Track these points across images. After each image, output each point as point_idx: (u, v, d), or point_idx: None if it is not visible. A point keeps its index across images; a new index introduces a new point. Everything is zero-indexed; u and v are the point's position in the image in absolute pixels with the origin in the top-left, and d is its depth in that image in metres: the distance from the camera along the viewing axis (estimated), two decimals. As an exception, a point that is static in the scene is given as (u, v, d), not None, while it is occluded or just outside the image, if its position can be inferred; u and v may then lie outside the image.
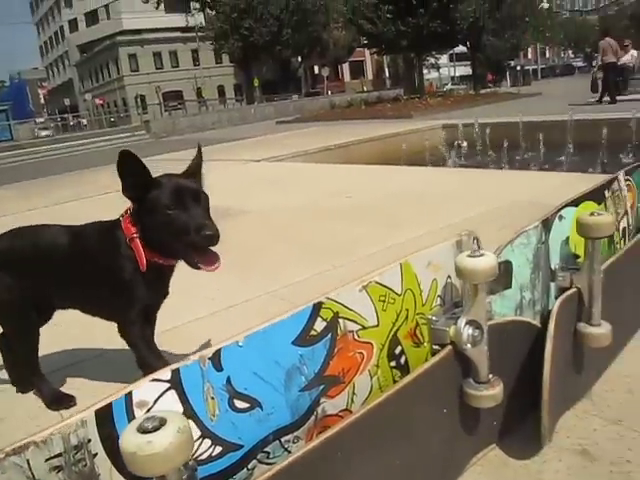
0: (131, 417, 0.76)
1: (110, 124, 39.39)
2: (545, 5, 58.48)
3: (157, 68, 53.20)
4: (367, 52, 37.69)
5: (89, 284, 1.65)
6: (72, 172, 10.86)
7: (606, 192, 1.71)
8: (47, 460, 0.69)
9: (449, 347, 1.15)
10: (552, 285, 1.44)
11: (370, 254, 3.06)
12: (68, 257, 1.66)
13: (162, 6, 42.14)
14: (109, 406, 0.75)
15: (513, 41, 39.44)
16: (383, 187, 5.28)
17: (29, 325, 1.76)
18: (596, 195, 1.65)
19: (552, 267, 1.43)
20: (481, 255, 1.09)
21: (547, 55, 78.12)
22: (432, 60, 38.29)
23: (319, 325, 0.96)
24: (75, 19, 60.10)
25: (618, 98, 13.23)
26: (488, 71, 42.17)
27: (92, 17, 58.33)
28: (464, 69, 52.48)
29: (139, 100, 47.85)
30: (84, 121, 45.51)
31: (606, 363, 1.68)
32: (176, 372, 0.81)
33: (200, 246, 1.42)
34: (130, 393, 0.77)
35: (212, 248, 1.45)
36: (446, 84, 47.80)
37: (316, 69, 52.27)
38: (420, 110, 17.45)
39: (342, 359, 1.00)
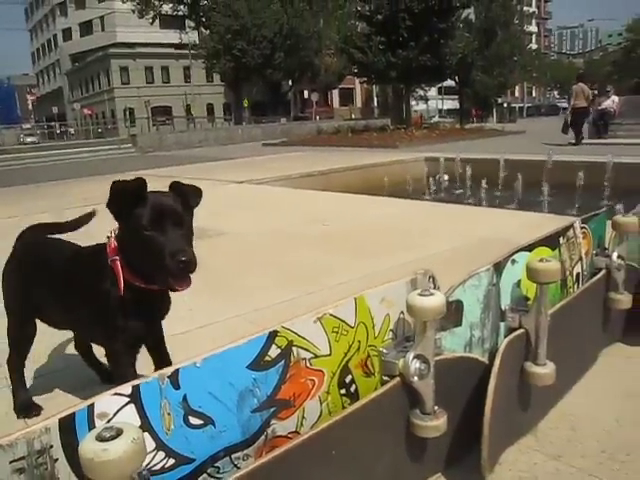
0: (92, 426, 0.83)
1: (97, 135, 39.33)
2: (533, 46, 59.94)
3: (148, 82, 53.34)
4: (357, 80, 38.18)
5: (76, 306, 1.61)
6: (55, 182, 10.85)
7: (561, 239, 1.82)
8: (11, 462, 0.75)
9: (397, 379, 1.23)
10: (502, 325, 1.53)
11: (340, 283, 3.14)
12: (64, 277, 1.65)
13: (157, 22, 42.50)
14: (72, 415, 0.82)
15: (501, 79, 40.29)
16: (360, 217, 5.38)
17: (27, 331, 1.81)
18: (551, 241, 1.75)
19: (502, 308, 1.52)
20: (431, 294, 1.18)
21: (533, 94, 79.82)
22: (421, 92, 38.99)
23: (273, 352, 1.03)
24: (69, 28, 60.21)
25: (601, 141, 13.71)
26: (474, 106, 42.96)
27: (86, 27, 58.50)
28: (452, 103, 53.43)
29: (128, 113, 47.89)
30: (71, 130, 45.37)
31: (552, 402, 1.77)
32: (136, 388, 0.88)
33: (172, 272, 1.33)
34: (92, 405, 0.84)
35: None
36: (433, 116, 48.55)
37: (306, 94, 52.75)
38: (405, 141, 17.72)
39: (294, 384, 1.07)
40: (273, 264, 3.80)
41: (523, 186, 7.93)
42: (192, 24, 39.60)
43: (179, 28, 42.93)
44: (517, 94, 71.68)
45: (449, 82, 37.79)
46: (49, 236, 1.89)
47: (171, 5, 40.91)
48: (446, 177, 9.81)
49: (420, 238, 4.33)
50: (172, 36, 46.83)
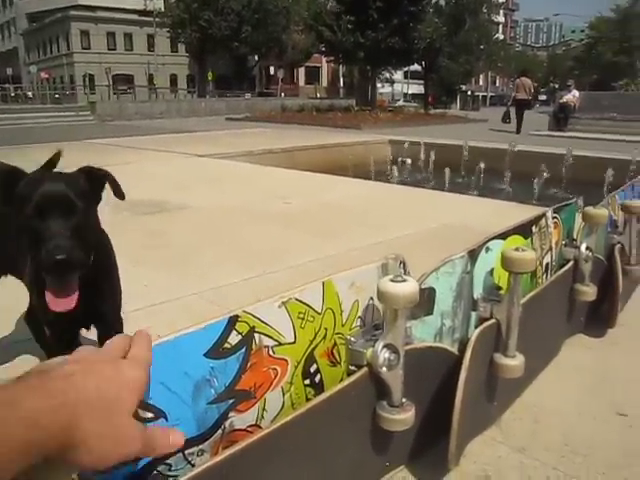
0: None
1: (54, 100, 38.04)
2: (500, 36, 60.45)
3: (109, 49, 51.85)
4: (324, 59, 37.86)
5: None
6: (8, 147, 10.40)
7: (533, 228, 1.77)
8: None
9: (365, 369, 1.16)
10: (473, 314, 1.47)
11: (301, 263, 3.07)
12: None
13: (121, -14, 41.20)
14: None
15: (467, 66, 40.63)
16: (322, 196, 5.30)
17: None
18: (524, 230, 1.70)
19: (474, 297, 1.46)
20: (403, 281, 1.10)
21: (497, 84, 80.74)
22: (387, 75, 38.98)
23: (233, 338, 0.94)
24: (27, -15, 57.88)
25: (560, 134, 14.21)
26: (432, 93, 43.15)
27: (46, -14, 56.27)
28: (417, 87, 53.59)
29: (87, 79, 46.48)
30: (29, 94, 43.74)
31: (517, 393, 1.74)
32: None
33: (44, 268, 1.14)
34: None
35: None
36: (398, 100, 48.66)
37: (272, 70, 52.22)
38: (369, 123, 17.70)
39: (255, 374, 0.99)
40: (233, 241, 3.69)
41: (484, 173, 7.99)
42: (158, -10, 38.49)
43: (144, -6, 41.72)
44: (481, 83, 72.44)
45: (416, 67, 37.85)
46: None
47: (136, -31, 39.72)
48: (409, 161, 9.81)
49: (383, 220, 4.28)
50: (137, 2, 45.47)
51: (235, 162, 7.86)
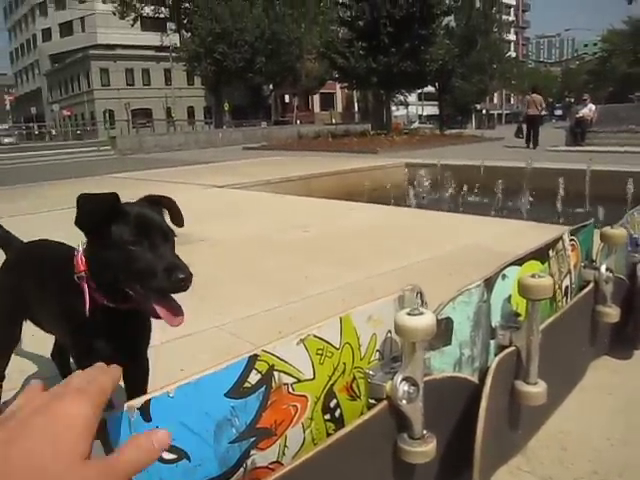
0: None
1: (76, 137, 38.90)
2: (512, 54, 60.61)
3: (128, 84, 52.98)
4: (338, 85, 38.26)
5: (50, 316, 1.52)
6: (33, 184, 10.64)
7: (550, 252, 1.77)
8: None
9: (385, 402, 1.16)
10: (492, 342, 1.47)
11: (321, 292, 3.08)
12: (42, 283, 1.55)
13: (138, 24, 42.21)
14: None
15: (481, 86, 40.74)
16: (341, 223, 5.33)
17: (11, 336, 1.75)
18: (540, 254, 1.70)
19: (493, 325, 1.46)
20: (420, 314, 1.11)
21: (512, 101, 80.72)
22: (401, 98, 39.19)
23: (253, 378, 0.96)
24: (49, 28, 59.63)
25: (578, 149, 14.23)
26: (445, 114, 43.26)
27: (67, 28, 57.98)
28: (432, 109, 53.81)
29: (107, 115, 47.47)
30: (53, 131, 44.75)
31: (542, 420, 1.72)
32: (102, 421, 0.80)
33: (167, 292, 1.21)
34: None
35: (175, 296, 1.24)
36: (414, 122, 48.84)
37: (287, 98, 52.86)
38: (386, 147, 17.77)
39: (275, 412, 1.00)
40: (253, 272, 3.72)
41: (502, 192, 7.96)
42: (173, 26, 39.43)
43: (160, 30, 42.73)
44: (496, 101, 72.51)
45: (429, 88, 38.06)
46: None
47: (152, 7, 40.68)
48: (427, 183, 9.81)
49: (401, 245, 4.28)
50: (153, 38, 46.64)
51: (253, 192, 7.94)
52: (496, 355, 1.44)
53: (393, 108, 34.99)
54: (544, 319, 1.67)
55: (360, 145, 18.72)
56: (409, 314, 1.11)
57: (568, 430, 1.70)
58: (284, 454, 1.03)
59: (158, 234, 1.24)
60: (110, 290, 1.28)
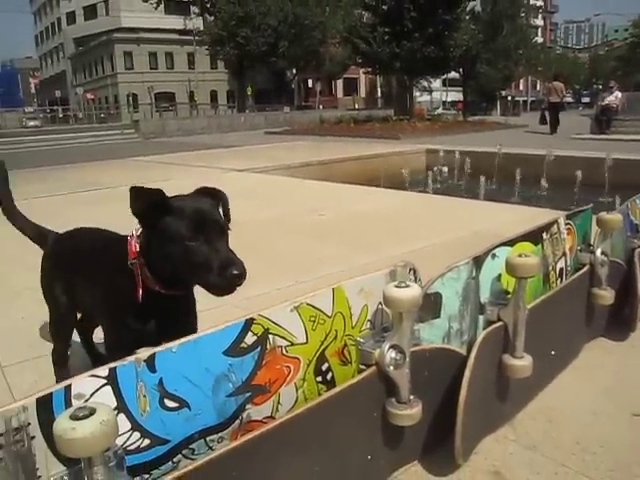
0: (69, 406, 0.86)
1: (100, 120, 39.30)
2: (539, 40, 59.63)
3: (152, 68, 53.20)
4: (361, 70, 38.05)
5: (95, 299, 1.57)
6: (57, 166, 10.86)
7: (544, 234, 1.85)
8: (-12, 439, 0.79)
9: (373, 368, 1.26)
10: (481, 318, 1.56)
11: (332, 273, 3.18)
12: (89, 265, 1.61)
13: (161, 7, 42.27)
14: (49, 395, 0.85)
15: (506, 72, 40.13)
16: (357, 207, 5.41)
17: (66, 318, 1.81)
18: (533, 236, 1.78)
19: (482, 301, 1.55)
20: (407, 286, 1.21)
21: (538, 88, 79.43)
22: (425, 83, 38.82)
23: (249, 339, 1.07)
24: (73, 12, 59.98)
25: (602, 137, 14.11)
26: (478, 99, 42.83)
27: (91, 11, 58.26)
28: (456, 95, 53.25)
29: (131, 98, 47.78)
30: (80, 114, 45.19)
31: (532, 395, 1.80)
32: (113, 370, 0.92)
33: (221, 287, 1.24)
34: (69, 386, 0.88)
35: None
36: (437, 108, 48.40)
37: (310, 82, 52.66)
38: (408, 132, 17.70)
39: (269, 371, 1.11)
40: (268, 252, 3.83)
41: (521, 179, 7.96)
42: (197, 10, 39.34)
43: (183, 14, 42.75)
44: (522, 87, 71.45)
45: (453, 74, 37.66)
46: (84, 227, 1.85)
47: (176, -10, 40.74)
48: (446, 169, 9.84)
49: (415, 229, 4.36)
50: (176, 22, 46.60)
51: (272, 176, 8.04)
52: (484, 329, 1.53)
53: (417, 94, 34.75)
54: (536, 298, 1.75)
55: (382, 131, 18.67)
56: (397, 286, 1.21)
57: (556, 405, 1.79)
58: (278, 410, 1.14)
59: (214, 229, 1.28)
60: (166, 278, 1.33)
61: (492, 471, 1.48)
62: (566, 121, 16.96)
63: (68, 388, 0.87)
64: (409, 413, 1.29)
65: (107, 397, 0.91)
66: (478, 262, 1.50)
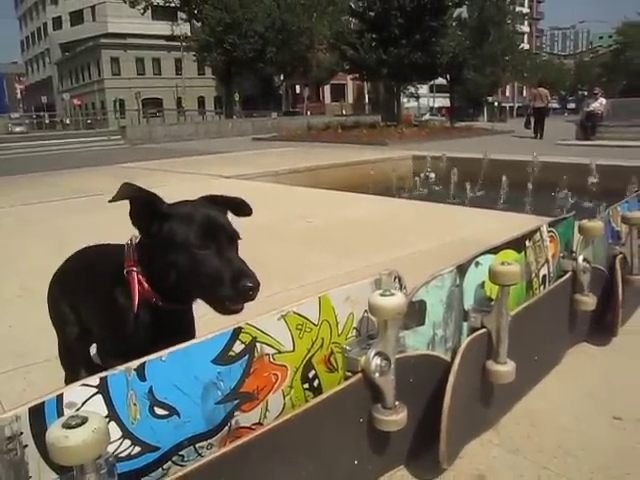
0: (60, 415, 0.88)
1: (86, 126, 39.15)
2: (525, 46, 60.14)
3: (139, 74, 53.11)
4: (349, 76, 38.20)
5: (91, 310, 1.51)
6: (44, 172, 10.81)
7: (527, 242, 1.88)
8: (-19, 447, 0.81)
9: (359, 374, 1.29)
10: (465, 325, 1.60)
11: (320, 280, 3.20)
12: (89, 280, 1.54)
13: (148, 13, 42.24)
14: (41, 404, 0.87)
15: (492, 78, 40.43)
16: (344, 214, 5.44)
17: (76, 345, 1.71)
18: (516, 244, 1.82)
19: (465, 308, 1.59)
20: (392, 294, 1.24)
21: (524, 94, 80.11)
22: (412, 89, 39.02)
23: (237, 347, 1.09)
24: (60, 17, 59.75)
25: (587, 143, 14.32)
26: (465, 104, 43.13)
27: (77, 17, 58.08)
28: (443, 101, 53.61)
29: (118, 104, 47.63)
30: (67, 120, 44.91)
31: (515, 399, 1.84)
32: (104, 379, 0.93)
33: (233, 301, 1.18)
34: (61, 395, 0.89)
35: None
36: (424, 114, 48.69)
37: (297, 88, 52.78)
38: (395, 139, 17.82)
39: (257, 378, 1.13)
40: (255, 259, 3.83)
41: (507, 185, 8.04)
42: (184, 16, 39.39)
43: (171, 20, 42.72)
44: (508, 93, 72.07)
45: (441, 80, 37.92)
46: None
47: (163, -4, 40.68)
48: (432, 175, 9.90)
49: (402, 236, 4.40)
50: (164, 28, 46.56)
51: (260, 183, 8.06)
52: (468, 336, 1.56)
53: (404, 100, 34.94)
54: (520, 305, 1.79)
55: (369, 137, 18.78)
56: (382, 295, 1.24)
57: (539, 409, 1.82)
58: (265, 417, 1.17)
59: (224, 237, 1.22)
60: (166, 291, 1.26)
61: (476, 475, 1.51)
62: (552, 127, 17.20)
63: (60, 397, 0.89)
64: (395, 419, 1.31)
65: (98, 406, 0.93)
66: (462, 270, 1.54)
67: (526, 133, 18.05)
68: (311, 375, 1.25)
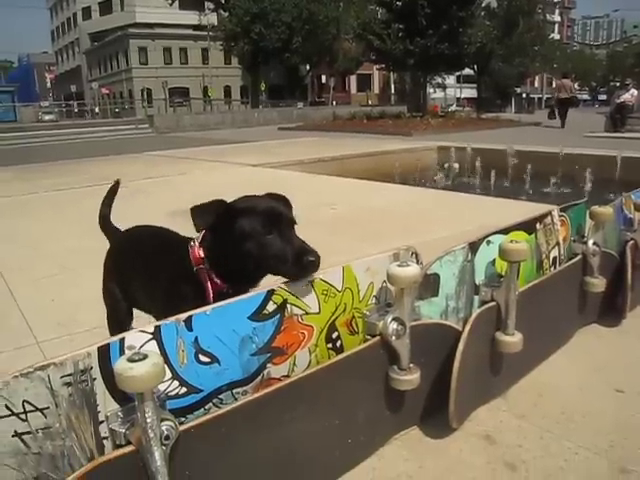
0: (122, 354, 1.04)
1: (114, 115, 39.71)
2: (556, 36, 59.24)
3: (166, 63, 53.57)
4: (375, 67, 38.12)
5: (153, 299, 1.65)
6: (73, 160, 11.11)
7: (538, 224, 2.00)
8: (61, 377, 0.97)
9: (378, 337, 1.44)
10: (476, 298, 1.73)
11: (341, 262, 3.34)
12: (149, 265, 1.69)
13: (176, 3, 42.54)
14: (107, 345, 1.03)
15: (521, 68, 39.98)
16: (368, 202, 5.57)
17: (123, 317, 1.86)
18: (527, 226, 1.94)
19: (477, 283, 1.72)
20: (408, 265, 1.38)
21: (553, 85, 78.90)
22: (439, 80, 38.78)
23: (270, 307, 1.24)
24: (89, 7, 60.47)
25: (616, 135, 14.16)
26: (493, 95, 42.72)
27: (106, 7, 58.72)
28: (470, 91, 53.13)
29: (145, 93, 48.19)
30: (96, 109, 45.54)
31: (525, 371, 1.97)
32: (158, 328, 1.09)
33: (299, 274, 1.35)
34: (124, 338, 1.06)
35: None
36: (451, 105, 48.33)
37: (323, 78, 52.78)
38: (420, 129, 17.81)
39: (287, 336, 1.28)
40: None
41: (531, 176, 8.09)
42: (211, 6, 39.60)
43: (198, 9, 42.99)
44: (537, 84, 71.09)
45: (468, 70, 37.61)
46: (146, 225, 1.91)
47: (191, -14, 40.99)
48: (456, 166, 9.97)
49: (423, 224, 4.52)
50: (191, 17, 46.95)
51: (285, 171, 8.21)
52: (479, 308, 1.69)
53: (430, 90, 34.77)
54: (530, 282, 1.91)
55: (395, 127, 18.80)
56: (399, 266, 1.38)
57: (547, 381, 1.95)
58: (293, 370, 1.32)
59: (284, 223, 1.40)
60: (236, 278, 1.41)
61: (483, 435, 1.65)
62: (581, 119, 17.09)
63: (122, 340, 1.06)
64: (409, 378, 1.46)
65: (152, 349, 1.09)
66: (473, 247, 1.67)
67: (552, 124, 18.18)
68: (334, 336, 1.40)
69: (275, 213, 1.40)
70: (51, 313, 2.78)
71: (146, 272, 1.68)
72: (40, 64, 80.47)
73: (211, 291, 1.42)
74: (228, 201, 1.45)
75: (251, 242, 1.35)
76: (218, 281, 1.43)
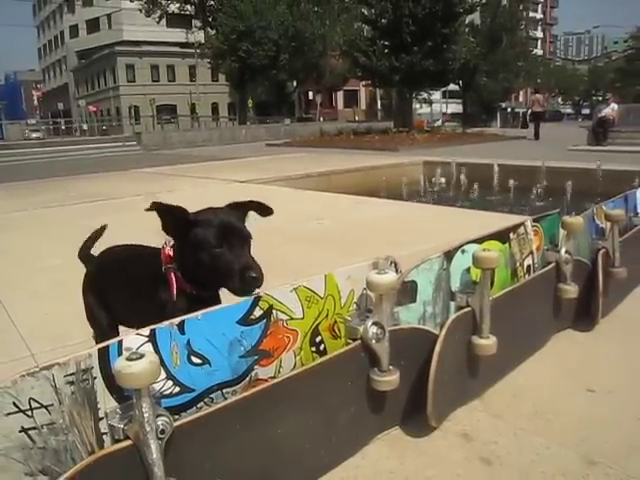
0: (120, 355, 1.13)
1: (102, 132, 39.74)
2: (539, 52, 60.15)
3: (153, 80, 53.75)
4: (361, 83, 38.52)
5: (135, 307, 1.72)
6: (60, 177, 11.15)
7: (511, 234, 2.12)
8: (65, 376, 1.05)
9: (359, 341, 1.53)
10: (452, 304, 1.83)
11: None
12: (126, 276, 1.77)
13: (163, 21, 42.87)
14: (107, 347, 1.12)
15: (505, 83, 40.48)
16: (354, 216, 5.69)
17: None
18: (501, 236, 2.05)
19: (453, 289, 1.82)
20: (385, 273, 1.48)
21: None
22: (425, 95, 39.19)
23: (257, 312, 1.34)
24: (76, 25, 60.67)
25: (598, 148, 14.41)
26: (478, 110, 43.23)
27: (93, 25, 58.92)
28: (456, 106, 53.71)
29: (133, 111, 48.24)
30: (84, 126, 45.48)
31: (500, 374, 2.07)
32: (153, 331, 1.19)
33: (240, 289, 1.39)
34: (121, 341, 1.15)
35: None
36: (437, 120, 48.81)
37: (310, 95, 53.17)
38: (406, 144, 17.98)
39: (273, 339, 1.38)
40: (269, 257, 4.08)
41: (514, 190, 8.26)
42: (198, 24, 39.97)
43: (185, 27, 43.33)
44: (521, 99, 72.02)
45: (453, 86, 38.05)
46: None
47: (178, 5, 41.29)
48: (442, 180, 10.14)
49: (409, 236, 4.63)
50: (178, 35, 47.23)
51: (273, 187, 8.33)
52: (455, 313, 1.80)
53: (417, 106, 35.13)
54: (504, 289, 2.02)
55: (381, 143, 18.99)
56: (378, 273, 1.48)
57: (521, 383, 2.05)
58: (279, 372, 1.41)
59: (236, 238, 1.45)
60: (196, 281, 1.50)
61: (461, 434, 1.74)
62: (565, 132, 17.35)
63: (120, 342, 1.15)
64: (388, 379, 1.55)
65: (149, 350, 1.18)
66: (449, 256, 1.78)
67: (527, 134, 19.71)
68: (318, 340, 1.50)
69: (227, 227, 1.45)
70: (45, 327, 2.85)
71: (122, 280, 1.77)
72: (27, 82, 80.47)
73: (175, 289, 1.50)
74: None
75: (202, 253, 1.42)
76: (182, 280, 1.51)
